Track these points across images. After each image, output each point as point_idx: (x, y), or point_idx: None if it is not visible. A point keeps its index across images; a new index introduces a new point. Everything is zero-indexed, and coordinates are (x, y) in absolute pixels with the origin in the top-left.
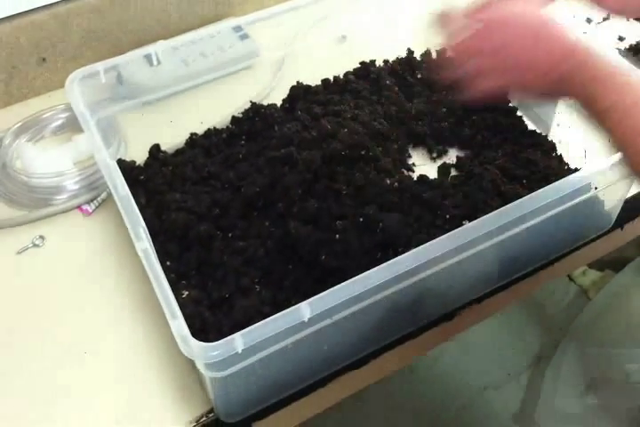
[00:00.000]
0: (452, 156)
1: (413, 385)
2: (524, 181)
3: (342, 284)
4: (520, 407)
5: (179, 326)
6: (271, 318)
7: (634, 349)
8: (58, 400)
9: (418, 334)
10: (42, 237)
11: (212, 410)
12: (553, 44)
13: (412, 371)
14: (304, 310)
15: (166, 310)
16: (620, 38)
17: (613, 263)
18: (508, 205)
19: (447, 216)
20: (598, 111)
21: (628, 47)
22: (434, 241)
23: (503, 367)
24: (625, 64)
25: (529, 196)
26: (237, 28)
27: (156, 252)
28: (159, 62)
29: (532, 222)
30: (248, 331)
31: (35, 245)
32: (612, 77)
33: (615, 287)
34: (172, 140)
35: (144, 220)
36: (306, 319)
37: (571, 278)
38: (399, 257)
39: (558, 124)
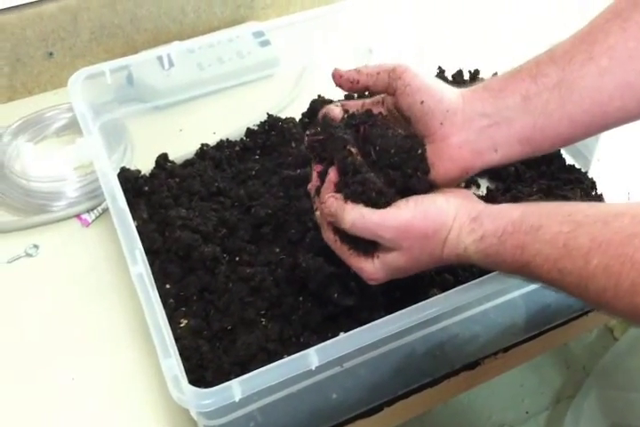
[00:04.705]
0: (482, 187)
1: (428, 421)
2: None
3: (355, 330)
4: None
5: (171, 366)
6: (274, 364)
7: None
8: None
9: (436, 383)
10: (35, 247)
11: None
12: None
13: None
14: (311, 357)
15: (158, 348)
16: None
17: None
18: None
19: None
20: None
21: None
22: (461, 287)
23: (522, 405)
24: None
25: None
26: (258, 34)
27: (156, 273)
28: (173, 65)
29: None
30: (247, 378)
31: (27, 255)
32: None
33: None
34: (182, 149)
35: (145, 235)
36: (313, 368)
37: None
38: (421, 303)
39: (599, 160)
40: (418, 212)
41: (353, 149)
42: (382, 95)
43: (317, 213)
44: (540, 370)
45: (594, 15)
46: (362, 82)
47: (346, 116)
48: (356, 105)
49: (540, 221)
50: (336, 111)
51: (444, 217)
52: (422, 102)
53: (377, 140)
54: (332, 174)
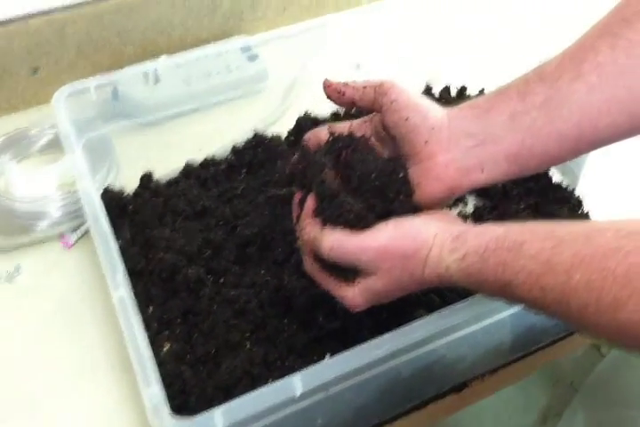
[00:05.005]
0: (469, 205)
1: None
2: None
3: (340, 355)
4: None
5: (152, 395)
6: (257, 391)
7: None
8: None
9: (423, 406)
10: (16, 269)
11: None
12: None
13: None
14: (295, 384)
15: (139, 376)
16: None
17: None
18: None
19: None
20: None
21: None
22: (448, 309)
23: (509, 423)
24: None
25: None
26: (246, 48)
27: (139, 295)
28: (159, 80)
29: None
30: (230, 407)
31: (8, 277)
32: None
33: None
34: (167, 167)
35: (128, 257)
36: (297, 394)
37: None
38: (407, 327)
39: (585, 176)
40: (397, 233)
41: (329, 175)
42: (370, 115)
43: (300, 241)
44: (527, 387)
45: (584, 30)
46: (348, 94)
47: (330, 138)
48: (343, 127)
49: (523, 238)
50: (322, 134)
51: (424, 237)
52: (407, 119)
53: (358, 165)
54: (310, 201)
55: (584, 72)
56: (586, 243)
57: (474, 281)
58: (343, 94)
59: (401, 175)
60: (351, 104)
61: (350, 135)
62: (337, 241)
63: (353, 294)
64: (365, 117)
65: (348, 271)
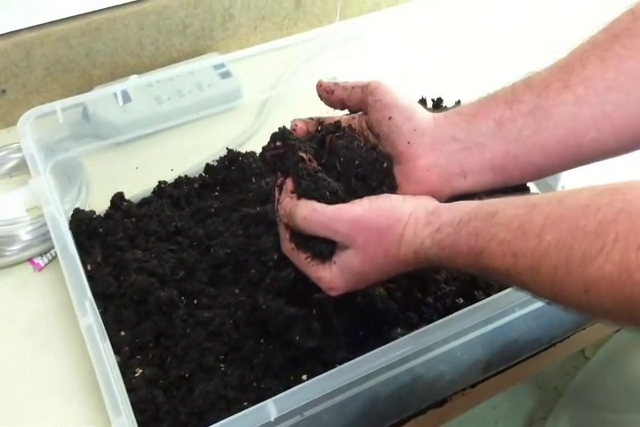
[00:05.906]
0: None
1: None
2: None
3: (315, 378)
4: None
5: (121, 425)
6: (230, 418)
7: (635, 414)
8: None
9: (402, 423)
10: None
11: None
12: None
13: None
14: (269, 408)
15: (108, 405)
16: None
17: None
18: (507, 290)
19: (439, 293)
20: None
21: None
22: (426, 328)
23: None
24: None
25: None
26: (219, 66)
27: (110, 319)
28: (129, 100)
29: (537, 305)
30: None
31: None
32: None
33: (614, 346)
34: (139, 187)
35: (99, 280)
36: (272, 419)
37: None
38: (385, 346)
39: (563, 187)
40: (371, 207)
41: (305, 156)
42: (358, 114)
43: (277, 219)
44: (512, 392)
45: (568, 46)
46: (337, 93)
47: (319, 128)
48: (331, 119)
49: (497, 208)
50: (310, 124)
51: (399, 213)
52: (390, 118)
53: (342, 151)
54: (289, 183)
55: (572, 83)
56: (558, 206)
57: (448, 255)
58: (332, 93)
59: (385, 165)
60: (341, 103)
61: (336, 123)
62: (311, 210)
63: (330, 275)
64: (354, 114)
65: (323, 247)
